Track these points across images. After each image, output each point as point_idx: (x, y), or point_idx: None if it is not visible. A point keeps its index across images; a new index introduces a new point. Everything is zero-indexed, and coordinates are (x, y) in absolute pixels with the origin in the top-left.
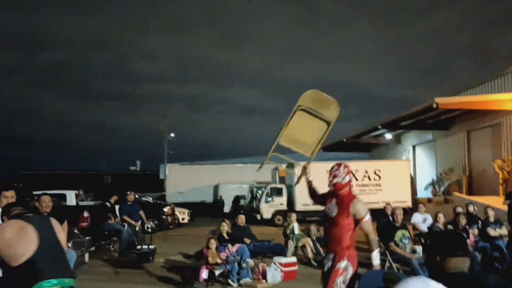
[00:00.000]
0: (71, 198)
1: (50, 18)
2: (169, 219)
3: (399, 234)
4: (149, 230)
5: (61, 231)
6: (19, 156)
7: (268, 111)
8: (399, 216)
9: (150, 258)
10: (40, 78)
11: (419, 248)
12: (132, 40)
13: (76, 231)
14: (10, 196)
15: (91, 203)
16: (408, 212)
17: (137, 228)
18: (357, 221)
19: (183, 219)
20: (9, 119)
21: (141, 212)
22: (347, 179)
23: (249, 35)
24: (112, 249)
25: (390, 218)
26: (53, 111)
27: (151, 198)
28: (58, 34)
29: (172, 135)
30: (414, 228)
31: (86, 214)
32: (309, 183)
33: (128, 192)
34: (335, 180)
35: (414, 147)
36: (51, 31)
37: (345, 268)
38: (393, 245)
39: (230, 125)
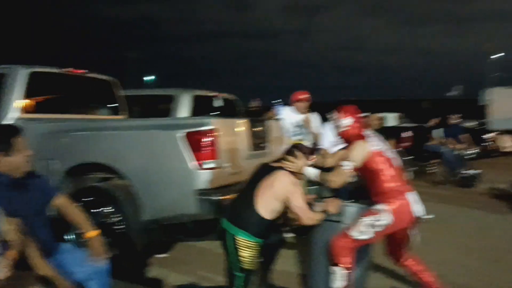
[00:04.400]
0: (391, 120)
1: None
2: (493, 146)
3: None
4: (473, 155)
5: None
6: (349, 83)
7: None
8: None
9: (473, 182)
10: (371, 6)
11: None
12: None
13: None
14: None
15: (412, 125)
16: None
17: (459, 152)
18: None
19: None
20: (339, 48)
21: (465, 136)
22: None
23: None
24: (433, 171)
25: None
26: (380, 39)
27: (471, 124)
28: None
29: (499, 55)
30: None
31: (408, 133)
32: None
33: (451, 115)
34: None
35: None
36: None
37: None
38: None
39: None
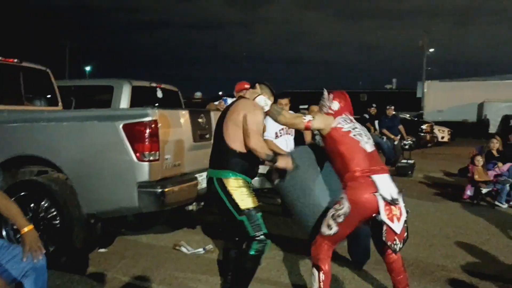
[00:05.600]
0: None
1: None
2: (428, 137)
3: None
4: (407, 147)
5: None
6: (290, 76)
7: None
8: None
9: (409, 172)
10: (309, 0)
11: None
12: None
13: None
14: (284, 103)
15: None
16: None
17: (395, 142)
18: None
19: (442, 137)
20: (281, 41)
21: (401, 127)
22: None
23: None
24: None
25: None
26: (319, 32)
27: (408, 115)
28: None
29: (431, 50)
30: None
31: None
32: None
33: (388, 107)
34: None
35: None
36: None
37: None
38: None
39: (503, 37)
